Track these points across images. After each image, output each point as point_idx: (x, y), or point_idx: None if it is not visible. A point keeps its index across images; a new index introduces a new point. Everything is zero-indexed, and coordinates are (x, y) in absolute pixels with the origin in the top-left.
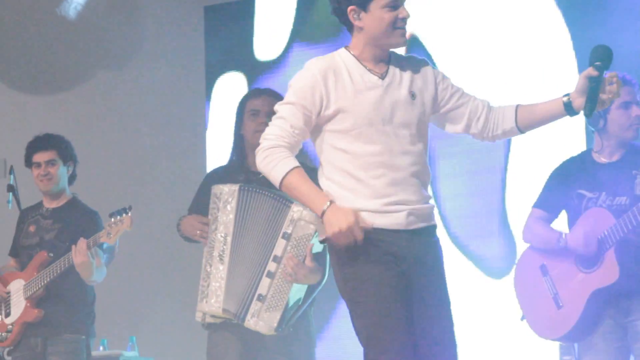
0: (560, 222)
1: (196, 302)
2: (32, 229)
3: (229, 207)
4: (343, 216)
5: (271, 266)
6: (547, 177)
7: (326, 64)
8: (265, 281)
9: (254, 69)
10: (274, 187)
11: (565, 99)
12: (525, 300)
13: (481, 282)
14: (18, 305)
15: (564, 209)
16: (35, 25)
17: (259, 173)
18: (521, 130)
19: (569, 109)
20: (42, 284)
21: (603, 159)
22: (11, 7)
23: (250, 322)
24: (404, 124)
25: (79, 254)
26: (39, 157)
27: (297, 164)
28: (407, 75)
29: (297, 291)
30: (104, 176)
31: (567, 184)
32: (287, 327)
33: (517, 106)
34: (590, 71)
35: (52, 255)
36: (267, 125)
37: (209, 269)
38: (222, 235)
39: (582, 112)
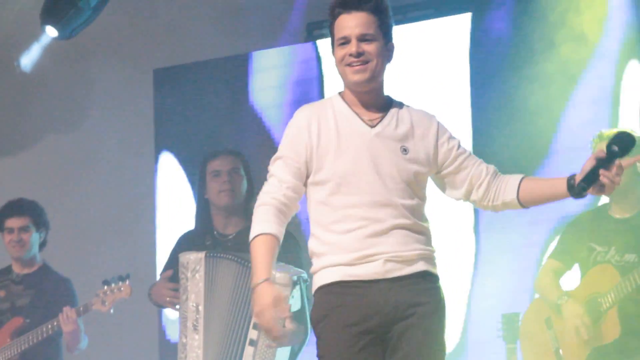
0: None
1: None
2: (1, 294)
3: (197, 275)
4: (261, 298)
5: (252, 334)
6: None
7: (312, 112)
8: (248, 350)
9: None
10: (242, 250)
11: (571, 180)
12: (528, 350)
13: None
14: None
15: (577, 261)
16: None
17: (227, 235)
18: (522, 204)
19: (571, 190)
20: (18, 350)
21: (617, 214)
22: None
23: None
24: (390, 176)
25: (70, 322)
26: (13, 222)
27: (270, 230)
28: (404, 128)
29: (282, 355)
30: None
31: (581, 236)
32: None
33: (523, 178)
34: (599, 152)
35: (28, 321)
36: (229, 184)
37: (184, 340)
38: (194, 304)
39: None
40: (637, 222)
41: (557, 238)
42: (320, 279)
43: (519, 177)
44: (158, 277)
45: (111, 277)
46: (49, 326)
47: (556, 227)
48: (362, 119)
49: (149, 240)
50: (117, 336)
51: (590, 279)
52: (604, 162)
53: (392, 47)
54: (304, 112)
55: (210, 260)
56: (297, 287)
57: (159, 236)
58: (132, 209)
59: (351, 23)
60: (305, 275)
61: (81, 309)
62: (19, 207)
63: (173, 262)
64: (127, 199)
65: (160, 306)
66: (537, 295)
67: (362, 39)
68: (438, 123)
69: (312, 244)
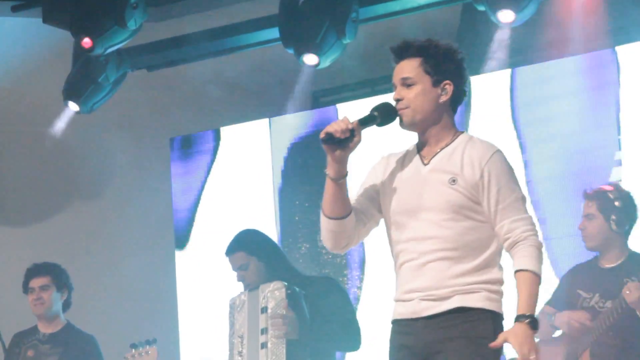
0: None
1: None
2: (30, 353)
3: (242, 312)
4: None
5: (262, 339)
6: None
7: (392, 153)
8: (262, 353)
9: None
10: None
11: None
12: None
13: None
14: None
15: (567, 308)
16: (12, 163)
17: None
18: None
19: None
20: None
21: (604, 265)
22: None
23: None
24: (437, 208)
25: None
26: (34, 282)
27: None
28: (455, 161)
29: (295, 349)
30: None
31: (572, 284)
32: None
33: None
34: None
35: None
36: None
37: None
38: (239, 336)
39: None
40: (621, 271)
41: (556, 287)
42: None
43: (517, 266)
44: (180, 339)
45: (138, 340)
46: None
47: None
48: (422, 158)
49: (170, 298)
50: None
51: (569, 313)
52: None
53: (448, 84)
54: (381, 158)
55: (252, 294)
56: (291, 292)
57: (180, 298)
58: (154, 273)
59: (396, 72)
60: (300, 290)
61: None
62: (40, 268)
63: None
64: (147, 263)
65: None
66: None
67: (403, 84)
68: (491, 161)
69: None
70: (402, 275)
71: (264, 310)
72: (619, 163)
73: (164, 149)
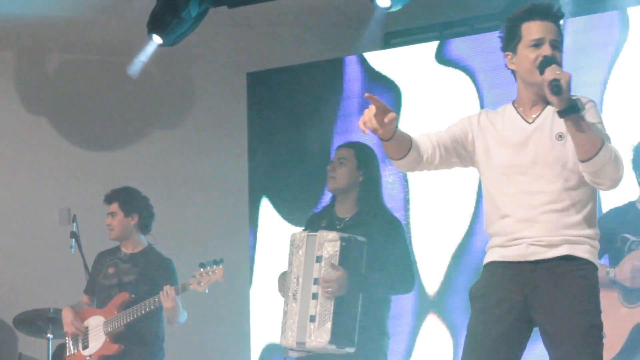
0: None
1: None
2: (111, 270)
3: (300, 251)
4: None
5: (313, 288)
6: None
7: (487, 109)
8: (312, 303)
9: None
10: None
11: None
12: None
13: None
14: (97, 339)
15: (606, 252)
16: (98, 91)
17: (343, 219)
18: None
19: None
20: (124, 322)
21: None
22: (73, 73)
23: (310, 343)
24: (545, 163)
25: (170, 299)
26: (107, 209)
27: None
28: (559, 120)
29: (344, 304)
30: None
31: (612, 229)
32: (350, 341)
33: None
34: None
35: (133, 296)
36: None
37: (285, 308)
38: (295, 277)
39: None
40: None
41: None
42: (485, 258)
43: None
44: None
45: (207, 260)
46: (152, 301)
47: None
48: (524, 118)
49: (241, 224)
50: (211, 313)
51: (631, 260)
52: None
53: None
54: (479, 113)
55: (311, 239)
56: (345, 245)
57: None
58: (227, 198)
59: (546, 29)
60: (361, 239)
61: (180, 287)
62: (108, 195)
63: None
64: (223, 189)
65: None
66: None
67: (553, 44)
68: (586, 109)
69: (485, 224)
70: (506, 225)
71: (319, 259)
72: None
73: (241, 84)
